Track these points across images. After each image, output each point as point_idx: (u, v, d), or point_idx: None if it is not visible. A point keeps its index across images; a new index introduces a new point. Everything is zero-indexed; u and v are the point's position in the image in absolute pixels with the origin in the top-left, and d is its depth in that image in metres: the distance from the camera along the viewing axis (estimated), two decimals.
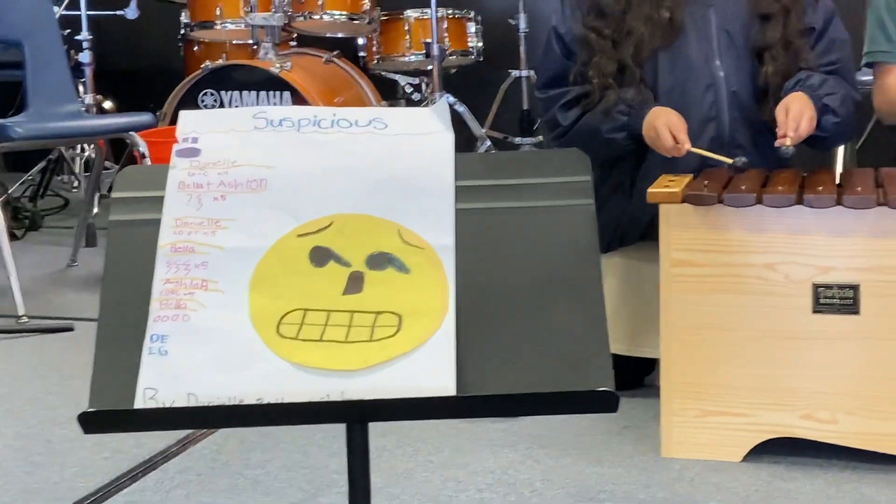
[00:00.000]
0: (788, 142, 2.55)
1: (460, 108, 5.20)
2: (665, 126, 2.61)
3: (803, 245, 2.38)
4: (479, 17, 5.44)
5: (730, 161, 2.55)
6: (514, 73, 5.45)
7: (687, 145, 2.60)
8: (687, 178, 2.54)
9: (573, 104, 2.80)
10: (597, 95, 2.75)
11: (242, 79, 5.01)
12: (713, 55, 2.77)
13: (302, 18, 5.16)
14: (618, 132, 2.72)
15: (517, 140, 5.43)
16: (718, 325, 2.43)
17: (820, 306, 2.38)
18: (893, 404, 2.37)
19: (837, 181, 2.50)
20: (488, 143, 5.24)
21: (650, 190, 2.47)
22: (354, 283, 1.56)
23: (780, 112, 2.62)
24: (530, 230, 1.63)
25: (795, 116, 2.59)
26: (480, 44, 5.43)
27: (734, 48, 2.78)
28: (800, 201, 2.36)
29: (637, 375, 2.89)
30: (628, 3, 2.77)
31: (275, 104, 4.86)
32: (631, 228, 2.78)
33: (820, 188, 2.40)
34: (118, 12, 5.44)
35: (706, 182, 2.49)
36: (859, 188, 2.39)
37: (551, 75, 2.87)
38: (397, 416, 1.63)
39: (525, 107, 5.48)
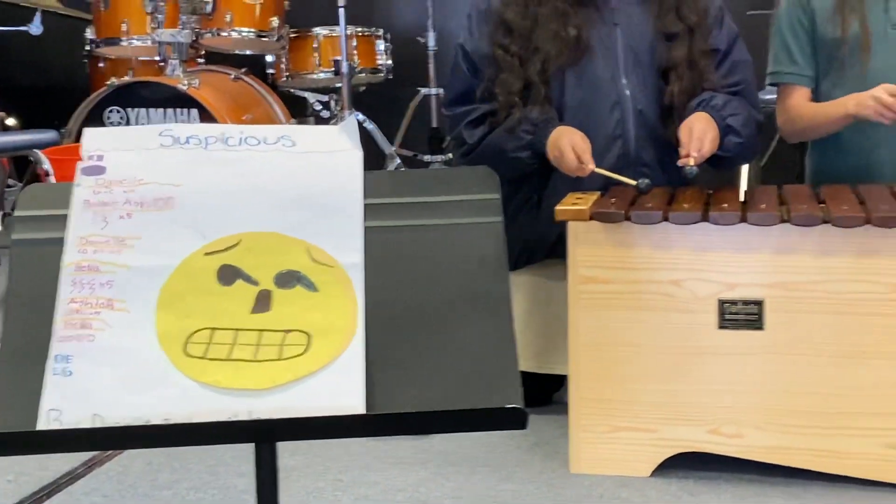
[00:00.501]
0: (692, 161, 2.58)
1: (370, 125, 5.19)
2: (569, 146, 2.63)
3: (708, 261, 2.42)
4: (389, 35, 5.44)
5: (633, 182, 2.58)
6: (424, 90, 5.46)
7: (591, 166, 2.62)
8: (594, 196, 2.57)
9: (480, 122, 2.81)
10: (502, 113, 2.77)
11: (149, 96, 4.95)
12: (619, 74, 2.80)
13: (210, 35, 5.12)
14: (522, 151, 2.74)
15: (427, 158, 5.44)
16: (626, 342, 2.46)
17: (725, 322, 2.42)
18: (798, 418, 2.41)
19: (742, 199, 2.54)
20: (398, 160, 5.24)
21: (558, 207, 2.49)
22: (263, 302, 1.55)
23: (683, 132, 2.66)
24: (439, 248, 1.63)
25: (699, 136, 2.63)
26: (390, 61, 5.43)
27: (640, 67, 2.81)
28: (705, 218, 2.39)
29: (546, 392, 2.91)
30: (535, 20, 2.79)
31: (182, 122, 4.82)
32: (539, 246, 2.80)
33: (725, 205, 2.44)
34: (21, 28, 5.35)
35: (613, 199, 2.52)
36: (763, 205, 2.43)
37: (458, 93, 2.88)
38: (306, 435, 1.62)
39: (434, 124, 5.49)
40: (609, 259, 2.46)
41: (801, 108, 2.91)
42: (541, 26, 2.78)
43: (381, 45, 5.41)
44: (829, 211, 2.37)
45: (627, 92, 2.80)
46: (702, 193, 2.58)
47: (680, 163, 2.61)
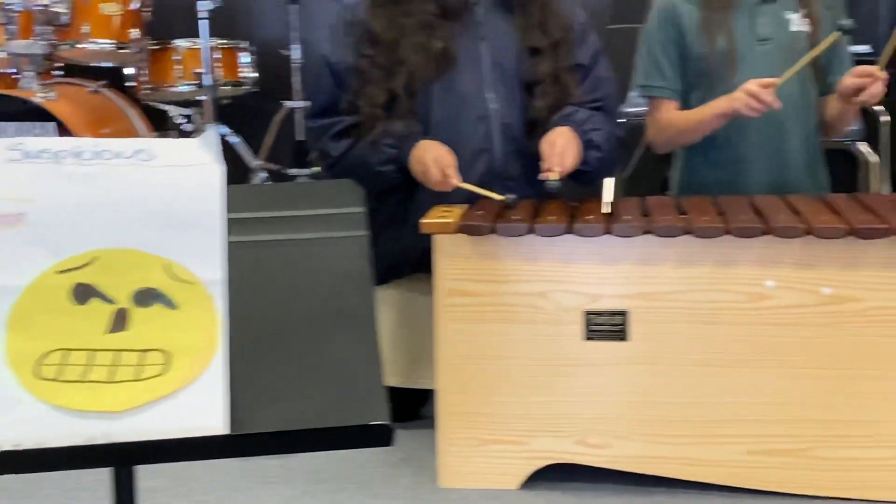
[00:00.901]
0: (554, 175, 2.60)
1: (234, 139, 5.12)
2: (433, 161, 2.63)
3: (574, 273, 2.43)
4: (253, 48, 5.38)
5: (500, 198, 2.58)
6: (289, 103, 5.40)
7: (456, 181, 2.62)
8: (461, 209, 2.56)
9: (344, 135, 2.79)
10: (366, 126, 2.75)
11: (2, 109, 4.81)
12: (485, 87, 2.81)
13: (67, 47, 4.99)
14: (386, 165, 2.73)
15: (292, 171, 5.39)
16: (493, 355, 2.46)
17: (590, 333, 2.43)
18: (662, 427, 2.43)
19: (606, 211, 2.56)
20: (263, 174, 5.19)
21: (424, 220, 2.48)
22: (119, 321, 1.50)
23: (545, 146, 2.68)
24: (303, 262, 1.60)
25: (561, 150, 2.65)
26: (254, 74, 5.37)
27: (506, 81, 2.82)
28: (570, 230, 2.41)
29: (414, 407, 2.90)
30: (402, 32, 2.77)
31: (38, 136, 4.69)
32: (405, 260, 2.79)
33: (589, 217, 2.45)
34: None
35: (479, 212, 2.52)
36: (627, 217, 2.45)
37: (322, 105, 2.85)
38: (165, 458, 1.57)
39: (300, 138, 5.45)
40: (475, 272, 2.45)
41: (671, 117, 2.96)
42: (407, 38, 2.77)
43: (244, 58, 5.34)
44: (691, 222, 2.40)
45: (493, 106, 2.81)
46: (567, 206, 2.59)
47: (542, 176, 2.63)
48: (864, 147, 3.80)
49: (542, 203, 2.63)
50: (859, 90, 2.73)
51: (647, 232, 2.39)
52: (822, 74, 2.96)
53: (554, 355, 2.45)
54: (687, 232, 2.38)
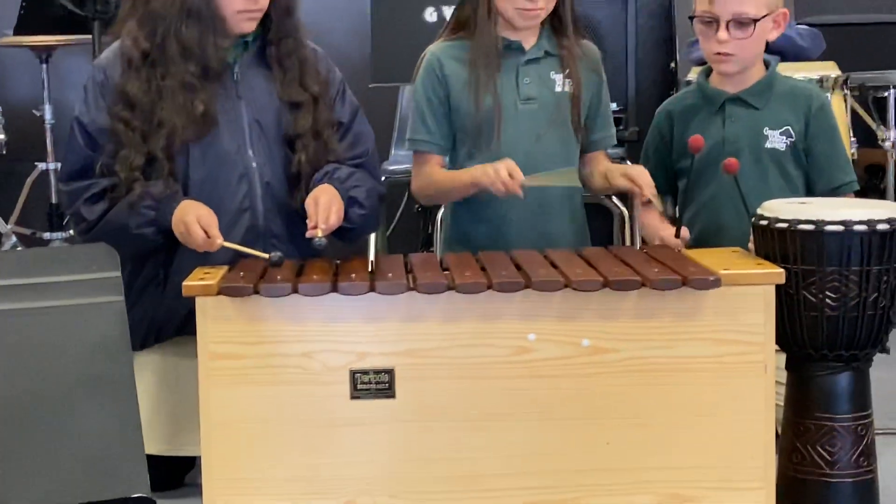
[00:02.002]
0: (319, 233, 2.61)
1: None
2: (195, 221, 2.59)
3: (340, 332, 2.43)
4: (1, 108, 5.21)
5: (266, 256, 2.56)
6: (41, 165, 5.25)
7: (219, 240, 2.59)
8: (222, 270, 2.53)
9: (99, 197, 2.72)
10: (123, 189, 2.69)
11: None
12: (245, 146, 2.80)
13: None
14: (146, 227, 2.67)
15: (46, 235, 5.23)
16: (259, 417, 2.42)
17: (357, 392, 2.43)
18: (432, 485, 2.44)
19: (370, 268, 2.57)
20: (14, 239, 5.01)
21: (185, 283, 2.43)
22: None
23: (309, 204, 2.68)
24: (56, 331, 1.55)
25: (324, 208, 2.66)
26: (3, 136, 5.19)
27: (266, 139, 2.82)
28: (334, 289, 2.40)
29: (178, 474, 2.82)
30: (159, 94, 2.73)
31: None
32: (167, 323, 2.73)
33: (353, 275, 2.46)
34: None
35: (242, 273, 2.49)
36: (390, 274, 2.47)
37: (75, 167, 2.77)
38: None
39: (53, 200, 5.29)
40: (240, 334, 2.42)
41: (434, 174, 3.01)
42: (165, 100, 2.72)
43: None
44: (453, 278, 2.43)
45: (254, 164, 2.80)
46: (331, 264, 2.59)
47: (308, 234, 2.63)
48: (616, 201, 3.95)
49: (306, 261, 2.62)
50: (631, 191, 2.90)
51: (410, 289, 2.41)
52: (586, 133, 3.07)
53: (321, 416, 2.43)
54: (450, 288, 2.40)
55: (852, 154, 4.05)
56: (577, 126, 3.02)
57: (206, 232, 2.58)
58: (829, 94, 3.12)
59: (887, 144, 4.58)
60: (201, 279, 2.44)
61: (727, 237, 2.88)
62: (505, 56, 2.97)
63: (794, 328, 2.54)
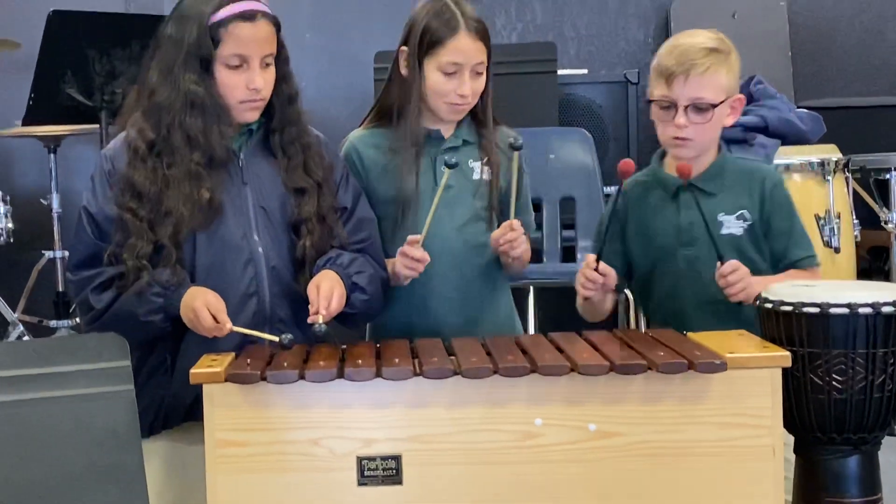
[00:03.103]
0: (321, 318, 2.62)
1: None
2: (204, 306, 2.61)
3: (346, 419, 2.43)
4: (9, 197, 5.25)
5: (276, 339, 2.57)
6: (48, 254, 5.28)
7: (228, 325, 2.61)
8: (229, 357, 2.54)
9: (107, 286, 2.73)
10: (131, 277, 2.71)
11: None
12: (251, 231, 2.82)
13: None
14: (155, 315, 2.68)
15: (53, 323, 5.24)
16: None
17: (364, 479, 2.42)
18: None
19: (376, 353, 2.58)
20: (20, 328, 5.02)
21: (193, 370, 2.44)
22: None
23: (311, 290, 2.71)
24: (66, 420, 1.56)
25: (326, 294, 2.68)
26: (10, 224, 5.22)
27: (271, 224, 2.85)
28: (341, 375, 2.41)
29: None
30: (166, 183, 2.76)
31: None
32: (174, 410, 2.73)
33: (359, 361, 2.46)
34: None
35: (249, 360, 2.50)
36: (397, 360, 2.48)
37: (83, 256, 2.79)
38: None
39: (60, 288, 5.31)
40: (247, 421, 2.42)
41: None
42: (172, 189, 2.75)
43: (0, 208, 5.20)
44: (460, 363, 2.44)
45: (260, 249, 2.82)
46: (337, 349, 2.60)
47: (309, 320, 2.65)
48: None
49: (313, 347, 2.63)
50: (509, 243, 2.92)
51: (417, 374, 2.42)
52: (503, 215, 3.09)
53: (327, 503, 2.42)
54: (456, 373, 2.41)
55: (856, 236, 4.07)
56: (495, 212, 3.08)
57: (214, 317, 2.60)
58: (781, 176, 3.05)
59: (890, 226, 4.58)
60: (208, 366, 2.45)
61: (690, 328, 2.79)
62: (425, 144, 3.03)
63: (801, 411, 2.54)
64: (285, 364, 2.46)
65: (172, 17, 2.84)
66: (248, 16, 2.79)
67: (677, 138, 2.93)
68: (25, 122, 4.78)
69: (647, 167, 3.10)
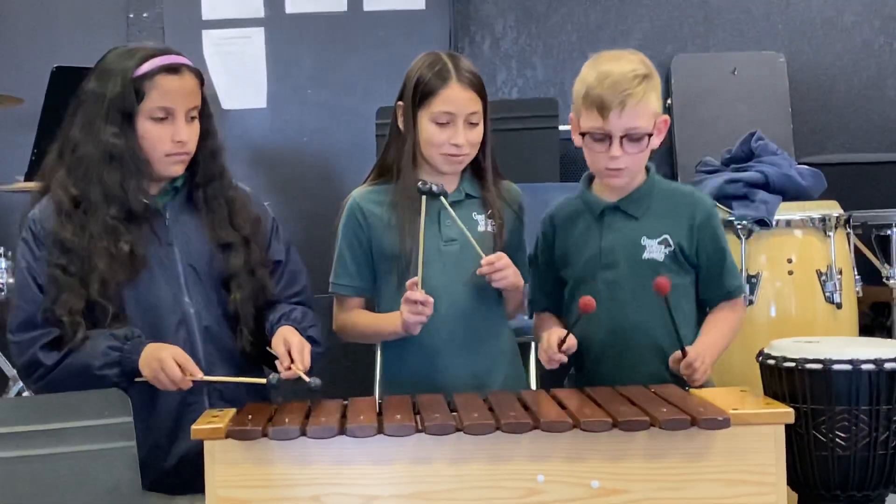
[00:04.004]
0: (300, 373, 2.66)
1: None
2: (170, 357, 2.61)
3: (348, 475, 2.43)
4: (10, 252, 5.25)
5: (262, 381, 2.59)
6: None
7: (199, 374, 2.64)
8: (230, 413, 2.54)
9: (55, 344, 2.70)
10: (69, 334, 2.69)
11: None
12: (181, 293, 2.83)
13: None
14: (110, 368, 2.65)
15: None
16: None
17: None
18: None
19: (377, 409, 2.58)
20: (20, 384, 5.00)
21: (194, 427, 2.43)
22: None
23: (278, 345, 2.73)
24: (68, 476, 1.57)
25: (299, 348, 2.71)
26: (11, 280, 5.21)
27: (201, 283, 2.86)
28: (342, 431, 2.41)
29: None
30: (90, 238, 2.76)
31: None
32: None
33: (361, 417, 2.46)
34: None
35: (250, 416, 2.50)
36: (399, 416, 2.47)
37: (27, 316, 2.75)
38: None
39: None
40: (248, 478, 2.42)
41: (355, 317, 3.09)
42: (94, 243, 2.76)
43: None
44: (462, 419, 2.44)
45: (192, 310, 2.83)
46: (339, 405, 2.60)
47: (284, 376, 2.68)
48: None
49: (314, 402, 2.62)
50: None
51: (419, 431, 2.42)
52: None
53: None
54: (458, 429, 2.41)
55: (858, 292, 4.07)
56: None
57: (183, 368, 2.61)
58: (713, 205, 3.04)
59: (892, 282, 4.59)
60: (209, 423, 2.45)
61: (600, 353, 2.93)
62: (427, 200, 3.02)
63: (804, 468, 2.54)
64: (287, 420, 2.46)
65: (95, 72, 2.85)
66: (173, 68, 2.82)
67: (611, 168, 2.93)
68: (28, 178, 4.80)
69: (574, 193, 3.12)
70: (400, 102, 3.08)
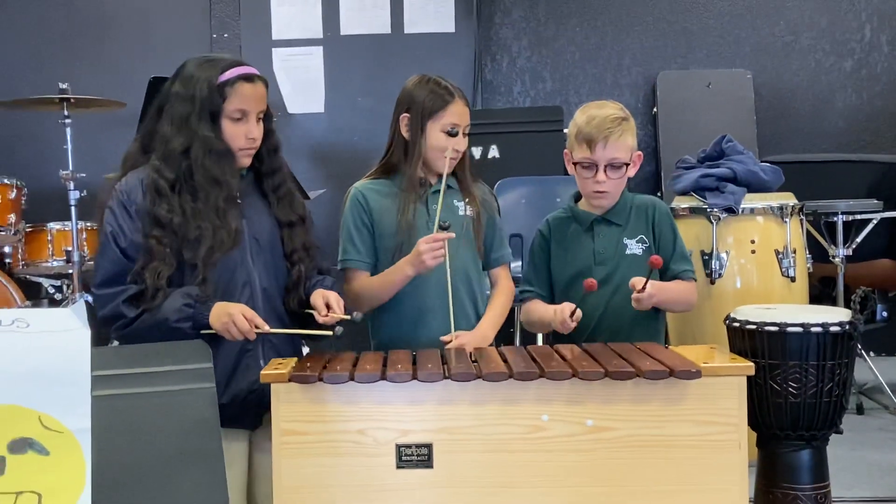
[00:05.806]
0: (340, 313, 2.68)
1: None
2: (239, 312, 2.61)
3: (387, 413, 2.43)
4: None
5: (346, 317, 2.62)
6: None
7: (266, 327, 2.63)
8: (292, 361, 2.54)
9: (135, 299, 2.68)
10: (149, 295, 2.65)
11: None
12: (248, 258, 2.81)
13: None
14: (184, 322, 2.63)
15: None
16: (322, 484, 2.41)
17: (402, 463, 2.42)
18: None
19: (412, 360, 2.58)
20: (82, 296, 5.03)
21: (263, 372, 2.44)
22: None
23: (318, 300, 2.74)
24: (159, 412, 1.57)
25: (335, 299, 2.73)
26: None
27: (262, 252, 2.83)
28: (383, 377, 2.41)
29: None
30: (193, 215, 2.73)
31: None
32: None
33: (399, 366, 2.46)
34: None
35: (308, 364, 2.50)
36: (430, 365, 2.47)
37: (110, 274, 2.70)
38: None
39: None
40: (306, 414, 2.42)
41: (367, 280, 3.09)
42: (200, 220, 2.72)
43: None
44: (481, 368, 2.44)
45: (255, 274, 2.81)
46: (380, 356, 2.60)
47: (322, 320, 2.69)
48: None
49: (361, 354, 2.63)
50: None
51: (446, 378, 2.42)
52: (486, 252, 3.19)
53: (372, 483, 2.42)
54: (478, 377, 2.41)
55: (809, 268, 4.06)
56: (479, 245, 3.13)
57: (250, 321, 2.60)
58: (666, 205, 3.13)
59: (837, 260, 4.59)
60: (275, 369, 2.45)
61: (600, 319, 3.01)
62: (428, 200, 3.08)
63: (762, 412, 2.53)
64: (338, 368, 2.46)
65: (178, 78, 2.82)
66: (249, 77, 2.81)
67: (597, 192, 3.05)
68: None
69: (564, 207, 3.21)
70: (405, 115, 3.08)
